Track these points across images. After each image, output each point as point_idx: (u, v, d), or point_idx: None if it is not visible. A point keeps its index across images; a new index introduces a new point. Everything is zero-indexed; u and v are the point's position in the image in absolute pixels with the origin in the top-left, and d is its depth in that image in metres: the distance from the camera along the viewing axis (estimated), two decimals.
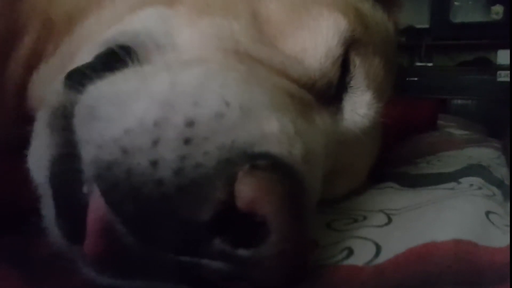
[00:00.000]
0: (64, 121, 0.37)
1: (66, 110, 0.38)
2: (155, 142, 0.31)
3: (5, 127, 0.44)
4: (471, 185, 0.60)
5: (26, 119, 0.42)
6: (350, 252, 0.41)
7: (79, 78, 0.38)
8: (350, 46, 0.50)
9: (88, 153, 0.33)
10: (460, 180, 0.63)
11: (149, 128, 0.32)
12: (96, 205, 0.32)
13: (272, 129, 0.35)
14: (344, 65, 0.50)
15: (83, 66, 0.42)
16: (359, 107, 0.52)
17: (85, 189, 0.33)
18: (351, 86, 0.51)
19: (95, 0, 0.52)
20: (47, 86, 0.43)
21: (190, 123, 0.32)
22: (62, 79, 0.41)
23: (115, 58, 0.41)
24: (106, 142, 0.32)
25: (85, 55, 0.45)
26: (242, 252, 0.31)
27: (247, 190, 0.30)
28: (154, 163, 0.31)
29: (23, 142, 0.40)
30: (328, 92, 0.49)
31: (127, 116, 0.32)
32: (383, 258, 0.39)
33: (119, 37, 0.45)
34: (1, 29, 0.52)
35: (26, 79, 0.51)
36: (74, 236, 0.34)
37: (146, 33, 0.44)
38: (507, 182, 0.67)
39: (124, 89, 0.35)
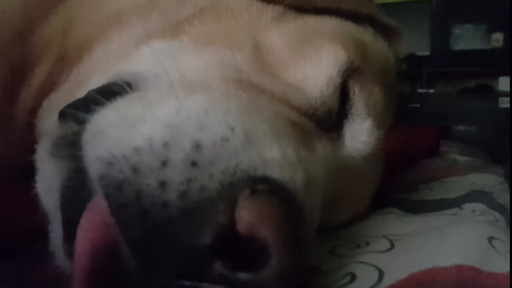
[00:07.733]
0: (68, 149, 0.38)
1: (69, 139, 0.39)
2: (164, 163, 0.32)
3: (14, 155, 0.45)
4: (474, 211, 0.60)
5: (34, 147, 0.43)
6: (353, 277, 0.41)
7: (73, 112, 0.39)
8: (350, 75, 0.51)
9: (96, 171, 0.33)
10: (463, 206, 0.63)
11: (158, 148, 0.32)
12: (97, 223, 0.32)
13: (274, 155, 0.35)
14: (344, 94, 0.51)
15: (76, 100, 0.43)
16: (360, 134, 0.52)
17: None
18: (351, 114, 0.52)
19: (101, 33, 0.53)
20: (53, 115, 0.44)
21: (197, 146, 0.33)
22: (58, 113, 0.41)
23: (113, 90, 0.42)
24: (116, 159, 0.32)
25: (91, 87, 0.46)
26: (242, 276, 0.31)
27: (247, 214, 0.31)
28: (162, 185, 0.31)
29: (29, 170, 0.41)
30: (328, 120, 0.50)
31: (136, 136, 0.33)
32: (385, 283, 0.39)
33: (124, 76, 0.45)
34: (12, 61, 0.53)
35: (38, 108, 0.53)
36: None
37: (151, 72, 0.44)
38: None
39: (130, 114, 0.36)
